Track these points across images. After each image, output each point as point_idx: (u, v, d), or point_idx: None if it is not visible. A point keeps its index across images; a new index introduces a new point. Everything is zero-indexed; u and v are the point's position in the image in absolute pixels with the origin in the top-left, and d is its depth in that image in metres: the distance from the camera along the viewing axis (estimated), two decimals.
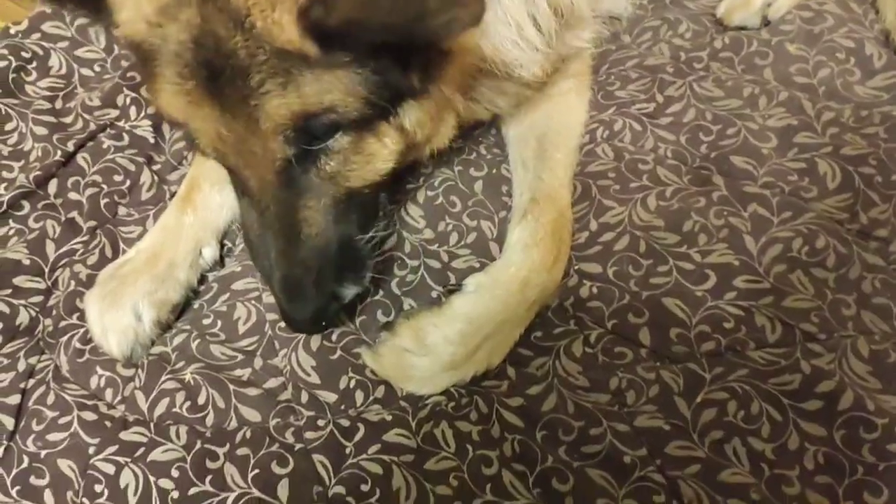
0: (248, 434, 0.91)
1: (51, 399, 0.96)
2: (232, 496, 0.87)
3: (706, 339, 0.95)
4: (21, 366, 0.99)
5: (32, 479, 0.92)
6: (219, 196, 1.06)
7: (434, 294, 1.02)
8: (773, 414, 0.88)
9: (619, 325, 0.97)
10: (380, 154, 0.85)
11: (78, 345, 0.99)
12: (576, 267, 1.02)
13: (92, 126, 1.17)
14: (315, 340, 0.97)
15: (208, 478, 0.88)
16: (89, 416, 0.94)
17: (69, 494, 0.90)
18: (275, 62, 0.71)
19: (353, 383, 0.95)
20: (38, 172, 1.10)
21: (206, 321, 1.01)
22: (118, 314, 0.97)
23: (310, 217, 0.84)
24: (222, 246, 1.09)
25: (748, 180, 1.07)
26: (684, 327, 0.96)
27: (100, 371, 0.97)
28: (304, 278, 0.85)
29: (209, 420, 0.93)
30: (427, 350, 0.93)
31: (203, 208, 1.06)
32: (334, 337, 0.98)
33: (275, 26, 0.70)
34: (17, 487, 0.92)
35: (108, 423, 0.94)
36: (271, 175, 0.80)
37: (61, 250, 1.07)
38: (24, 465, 0.92)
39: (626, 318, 0.97)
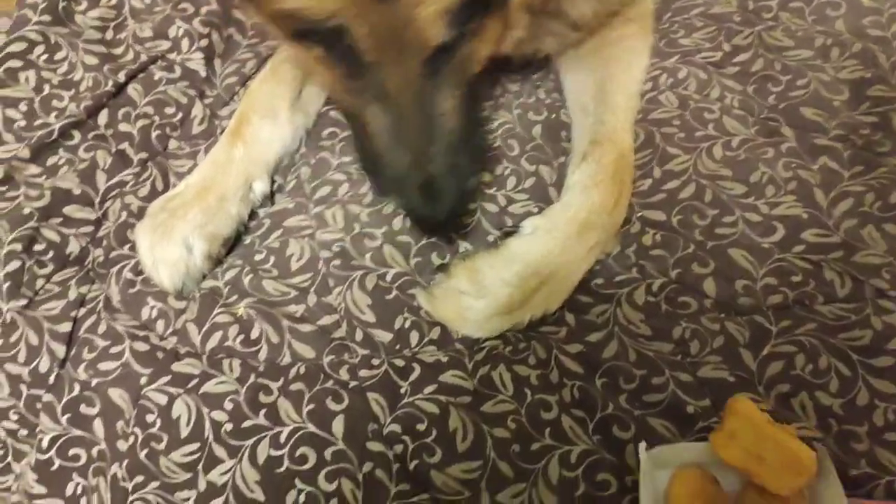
0: (302, 370, 0.90)
1: (102, 328, 0.95)
2: (286, 430, 0.86)
3: (773, 291, 0.91)
4: (72, 294, 0.97)
5: (83, 408, 0.91)
6: (269, 130, 1.04)
7: (490, 238, 0.99)
8: (842, 369, 0.85)
9: (683, 274, 0.94)
10: (495, 35, 0.85)
11: (129, 275, 0.98)
12: (638, 214, 0.99)
13: (143, 57, 1.15)
14: (370, 280, 0.95)
15: (262, 411, 0.87)
16: (141, 346, 0.93)
17: (119, 424, 0.90)
18: None
19: (407, 324, 0.93)
20: (88, 102, 1.08)
21: (258, 257, 0.99)
22: (169, 246, 0.96)
23: (447, 109, 0.82)
24: (272, 182, 1.07)
25: (818, 132, 1.03)
26: (750, 279, 0.93)
27: (151, 302, 0.96)
28: (441, 177, 0.84)
29: (262, 354, 0.91)
30: (483, 292, 0.91)
31: (253, 142, 1.03)
32: (389, 277, 0.96)
33: None
34: (68, 415, 0.91)
35: (159, 355, 0.92)
36: (417, 67, 0.78)
37: (112, 181, 1.06)
38: (75, 392, 0.92)
39: (691, 267, 0.94)
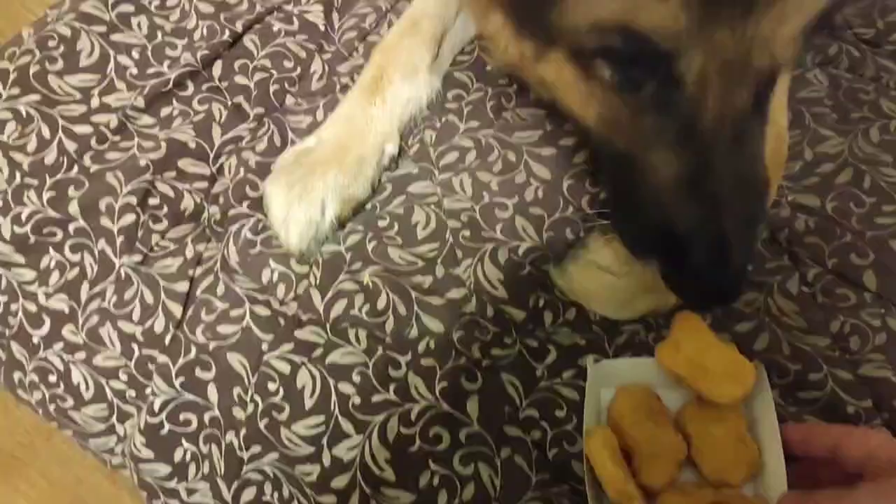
0: (432, 344, 0.85)
1: (220, 290, 0.90)
2: (417, 407, 0.81)
3: None
4: (189, 252, 0.93)
5: (198, 372, 0.87)
6: (409, 88, 0.98)
7: None
8: None
9: (840, 264, 0.88)
10: None
11: (248, 235, 0.93)
12: (789, 198, 0.93)
13: (259, 8, 1.09)
14: (502, 253, 0.90)
15: (392, 386, 0.82)
16: (262, 310, 0.88)
17: (236, 391, 0.85)
18: None
19: (541, 302, 0.88)
20: (205, 51, 1.02)
21: (381, 223, 0.93)
22: (306, 206, 0.90)
23: (757, 149, 0.69)
24: None
25: None
26: None
27: (272, 265, 0.90)
28: (735, 232, 0.69)
29: (388, 326, 0.86)
30: (626, 270, 0.85)
31: (392, 100, 0.97)
32: (521, 251, 0.90)
33: None
34: (181, 379, 0.87)
35: (281, 321, 0.88)
36: (746, 99, 0.65)
37: (227, 136, 1.00)
38: (192, 355, 0.87)
39: (848, 258, 0.88)
